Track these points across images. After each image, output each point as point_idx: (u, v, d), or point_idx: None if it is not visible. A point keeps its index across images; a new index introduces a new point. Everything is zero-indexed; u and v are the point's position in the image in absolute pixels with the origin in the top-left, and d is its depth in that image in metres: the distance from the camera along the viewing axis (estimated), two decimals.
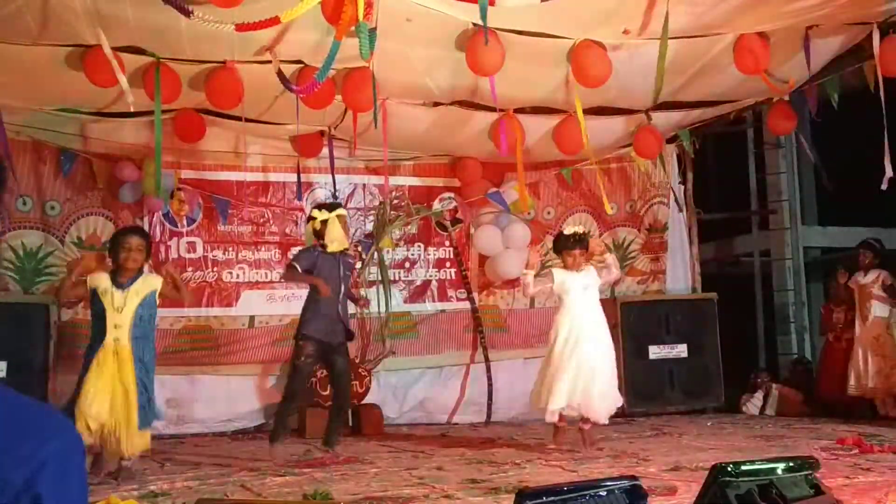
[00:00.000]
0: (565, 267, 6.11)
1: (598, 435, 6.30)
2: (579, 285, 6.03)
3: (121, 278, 5.09)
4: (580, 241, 6.06)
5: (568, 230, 6.20)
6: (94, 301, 5.10)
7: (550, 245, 7.07)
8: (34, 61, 5.98)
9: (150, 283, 5.20)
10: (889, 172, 6.20)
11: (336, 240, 5.76)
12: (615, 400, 6.06)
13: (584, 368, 5.86)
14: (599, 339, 6.02)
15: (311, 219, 5.94)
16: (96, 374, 4.93)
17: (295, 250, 8.35)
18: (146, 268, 5.61)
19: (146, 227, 7.92)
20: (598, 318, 6.09)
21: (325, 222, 5.78)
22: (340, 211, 5.91)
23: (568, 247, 6.05)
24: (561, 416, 5.98)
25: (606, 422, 6.07)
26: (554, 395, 5.83)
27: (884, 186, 6.24)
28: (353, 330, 5.99)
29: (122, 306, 5.04)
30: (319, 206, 6.02)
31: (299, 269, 5.88)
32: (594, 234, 9.13)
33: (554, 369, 5.91)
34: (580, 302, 6.03)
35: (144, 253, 5.21)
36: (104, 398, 4.90)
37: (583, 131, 6.81)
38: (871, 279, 7.84)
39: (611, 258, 6.32)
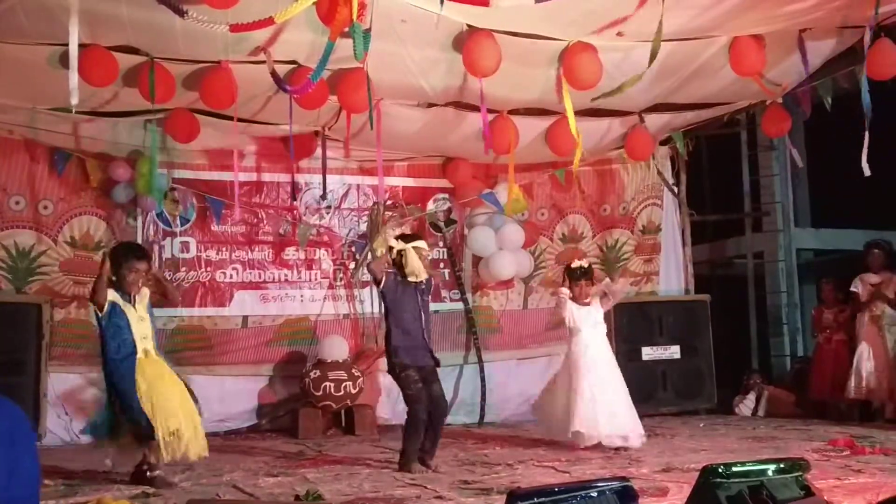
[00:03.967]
0: (573, 297, 6.48)
1: None
2: (588, 323, 6.42)
3: (127, 292, 5.07)
4: (585, 273, 6.49)
5: (574, 264, 6.60)
6: (114, 314, 5.00)
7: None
8: (28, 60, 5.97)
9: (144, 292, 5.20)
10: (866, 171, 6.23)
11: (415, 272, 5.67)
12: (636, 425, 6.28)
13: (598, 398, 6.16)
14: (612, 370, 6.39)
15: (389, 248, 5.86)
16: (155, 387, 4.91)
17: (289, 251, 8.42)
18: None
19: (139, 227, 7.93)
20: (607, 352, 6.49)
21: (401, 253, 5.71)
22: (418, 243, 5.80)
23: (575, 278, 6.46)
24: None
25: (636, 445, 6.17)
26: (574, 419, 6.12)
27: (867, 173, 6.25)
28: (438, 358, 5.82)
29: (142, 317, 5.08)
30: (398, 237, 5.97)
31: (378, 282, 5.77)
32: (588, 235, 9.16)
33: (570, 398, 6.20)
34: (590, 339, 6.40)
35: (147, 274, 5.20)
36: (172, 406, 4.90)
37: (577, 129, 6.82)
38: (885, 280, 7.81)
39: (605, 287, 6.64)
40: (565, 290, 6.55)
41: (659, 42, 5.59)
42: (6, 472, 2.10)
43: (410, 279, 5.69)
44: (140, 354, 5.00)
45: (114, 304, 5.00)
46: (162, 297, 5.46)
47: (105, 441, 5.16)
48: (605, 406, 6.13)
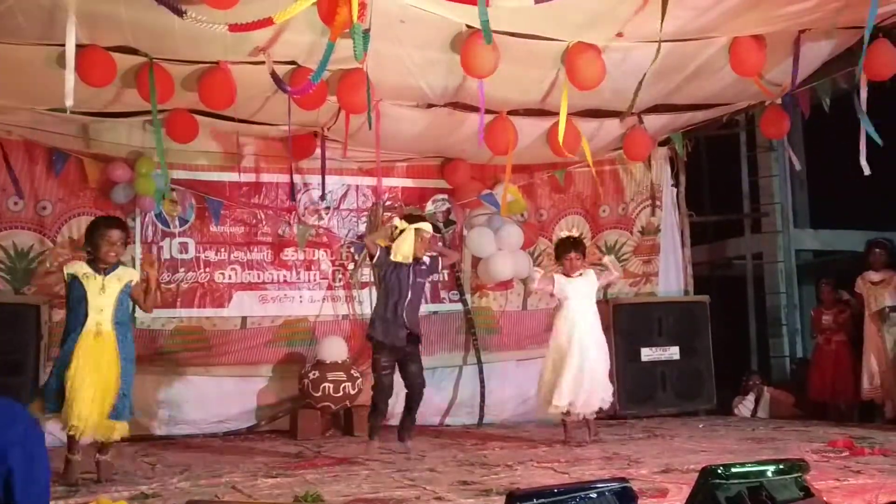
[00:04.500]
0: (564, 271, 6.56)
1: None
2: (578, 294, 6.49)
3: (100, 266, 5.06)
4: (575, 244, 6.57)
5: (563, 234, 6.52)
6: (74, 287, 5.02)
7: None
8: (26, 61, 5.96)
9: (129, 273, 5.19)
10: (866, 170, 6.26)
11: (401, 252, 5.76)
12: (607, 390, 6.52)
13: (585, 370, 6.33)
14: (596, 342, 6.51)
15: (393, 227, 6.01)
16: (81, 368, 4.86)
17: (288, 252, 8.41)
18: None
19: (138, 227, 7.92)
20: (594, 322, 6.56)
21: (401, 232, 5.81)
22: (421, 225, 5.86)
23: (565, 250, 6.54)
24: (567, 413, 6.43)
25: (595, 410, 6.52)
26: (557, 394, 6.29)
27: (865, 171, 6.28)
28: (419, 334, 5.98)
29: (105, 289, 5.01)
30: (405, 216, 6.06)
31: (371, 257, 5.95)
32: (587, 236, 9.16)
33: (555, 371, 6.37)
34: (578, 308, 6.48)
35: (124, 246, 5.20)
36: (88, 393, 4.85)
37: (571, 131, 6.83)
38: (886, 279, 7.80)
39: (608, 260, 6.86)
40: (537, 269, 6.80)
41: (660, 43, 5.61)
42: (21, 478, 2.11)
43: (393, 258, 5.76)
44: (91, 327, 4.95)
45: (73, 277, 5.01)
46: (140, 296, 5.28)
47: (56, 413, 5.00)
48: (586, 382, 6.31)
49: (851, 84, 6.34)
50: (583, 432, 6.58)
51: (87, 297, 4.99)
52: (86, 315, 4.97)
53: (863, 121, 6.12)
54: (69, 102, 4.93)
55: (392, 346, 5.80)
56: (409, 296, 5.84)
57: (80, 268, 5.06)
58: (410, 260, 5.80)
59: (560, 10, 5.32)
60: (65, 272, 5.08)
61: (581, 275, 6.54)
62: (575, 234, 6.76)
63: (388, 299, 5.86)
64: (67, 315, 5.12)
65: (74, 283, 5.03)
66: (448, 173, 8.72)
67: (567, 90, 6.34)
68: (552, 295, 6.74)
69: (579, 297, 6.48)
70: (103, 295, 5.01)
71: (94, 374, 4.89)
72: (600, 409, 6.57)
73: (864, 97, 6.16)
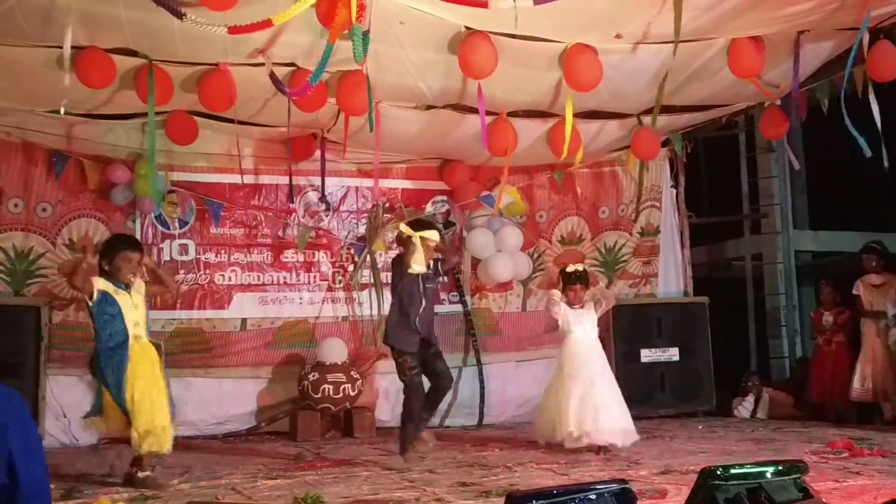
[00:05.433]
0: (568, 301, 6.54)
1: None
2: (583, 326, 6.49)
3: (120, 281, 5.09)
4: (580, 277, 6.56)
5: (570, 268, 6.66)
6: (106, 303, 5.00)
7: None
8: (26, 62, 5.97)
9: (140, 283, 5.20)
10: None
11: (416, 262, 5.64)
12: (628, 423, 6.27)
13: (593, 397, 6.20)
14: (603, 372, 6.43)
15: (399, 233, 5.92)
16: (139, 375, 4.92)
17: (288, 253, 8.41)
18: None
19: (138, 229, 7.92)
20: (598, 351, 6.53)
21: (408, 239, 5.69)
22: (426, 233, 5.73)
23: (570, 282, 6.53)
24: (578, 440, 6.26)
25: (622, 444, 6.19)
26: (564, 420, 6.16)
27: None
28: (433, 342, 5.84)
29: (137, 305, 5.08)
30: (410, 223, 5.93)
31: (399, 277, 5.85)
32: (586, 237, 9.16)
33: (558, 399, 6.27)
34: (585, 341, 6.48)
35: (140, 266, 5.22)
36: (156, 400, 4.93)
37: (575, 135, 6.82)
38: (888, 282, 7.81)
39: (600, 292, 6.80)
40: (556, 292, 6.62)
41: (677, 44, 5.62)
42: (23, 458, 2.10)
43: (410, 271, 5.71)
44: (131, 341, 5.00)
45: (104, 293, 5.00)
46: (160, 286, 5.44)
47: (96, 420, 5.10)
48: (594, 406, 6.17)
49: (850, 88, 6.33)
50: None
51: (123, 313, 5.01)
52: (126, 332, 5.00)
53: (848, 128, 6.10)
54: (63, 103, 4.91)
55: (410, 351, 5.74)
56: (423, 303, 5.76)
57: (109, 285, 5.04)
58: (419, 270, 5.71)
59: (560, 11, 5.33)
60: (95, 288, 4.98)
61: (582, 307, 6.52)
62: (580, 267, 6.72)
63: (403, 305, 5.77)
64: (100, 331, 5.03)
65: (107, 298, 5.00)
66: (447, 175, 8.72)
67: (570, 94, 6.33)
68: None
69: (585, 329, 6.48)
70: (136, 310, 5.07)
71: (154, 386, 4.96)
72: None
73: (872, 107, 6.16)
